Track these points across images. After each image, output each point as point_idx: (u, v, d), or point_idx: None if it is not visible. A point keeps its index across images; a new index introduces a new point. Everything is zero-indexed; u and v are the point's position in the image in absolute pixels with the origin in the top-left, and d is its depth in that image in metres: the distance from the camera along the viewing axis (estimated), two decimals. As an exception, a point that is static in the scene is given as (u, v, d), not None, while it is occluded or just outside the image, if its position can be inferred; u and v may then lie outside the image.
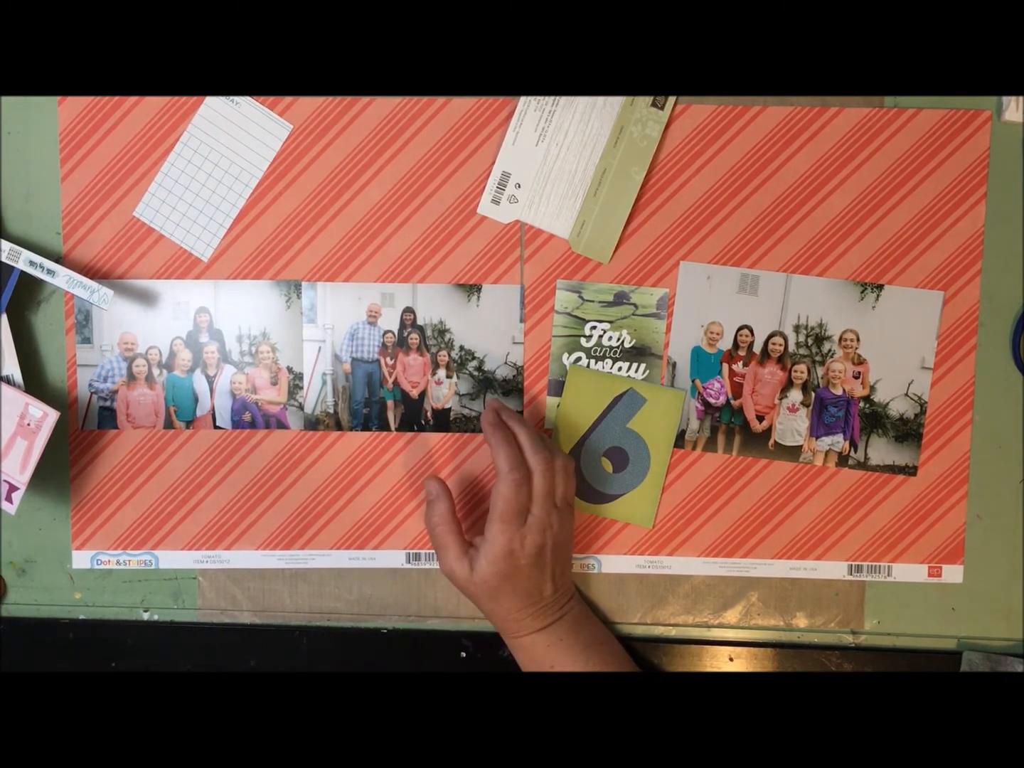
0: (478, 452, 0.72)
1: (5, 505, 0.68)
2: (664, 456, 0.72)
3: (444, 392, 0.72)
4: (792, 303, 0.71)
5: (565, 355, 0.72)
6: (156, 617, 0.73)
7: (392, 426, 0.72)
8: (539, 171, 0.70)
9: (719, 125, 0.70)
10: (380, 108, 0.70)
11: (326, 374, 0.72)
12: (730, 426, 0.72)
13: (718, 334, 0.71)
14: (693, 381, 0.71)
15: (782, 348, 0.71)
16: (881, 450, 0.71)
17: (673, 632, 0.73)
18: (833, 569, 0.72)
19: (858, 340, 0.71)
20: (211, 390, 0.72)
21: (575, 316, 0.71)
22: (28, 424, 0.67)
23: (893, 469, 0.71)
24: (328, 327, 0.72)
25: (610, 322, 0.71)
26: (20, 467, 0.67)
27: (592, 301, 0.71)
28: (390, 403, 0.72)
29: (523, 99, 0.70)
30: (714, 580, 0.72)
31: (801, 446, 0.71)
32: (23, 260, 0.67)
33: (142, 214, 0.71)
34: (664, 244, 0.71)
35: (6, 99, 0.70)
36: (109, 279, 0.71)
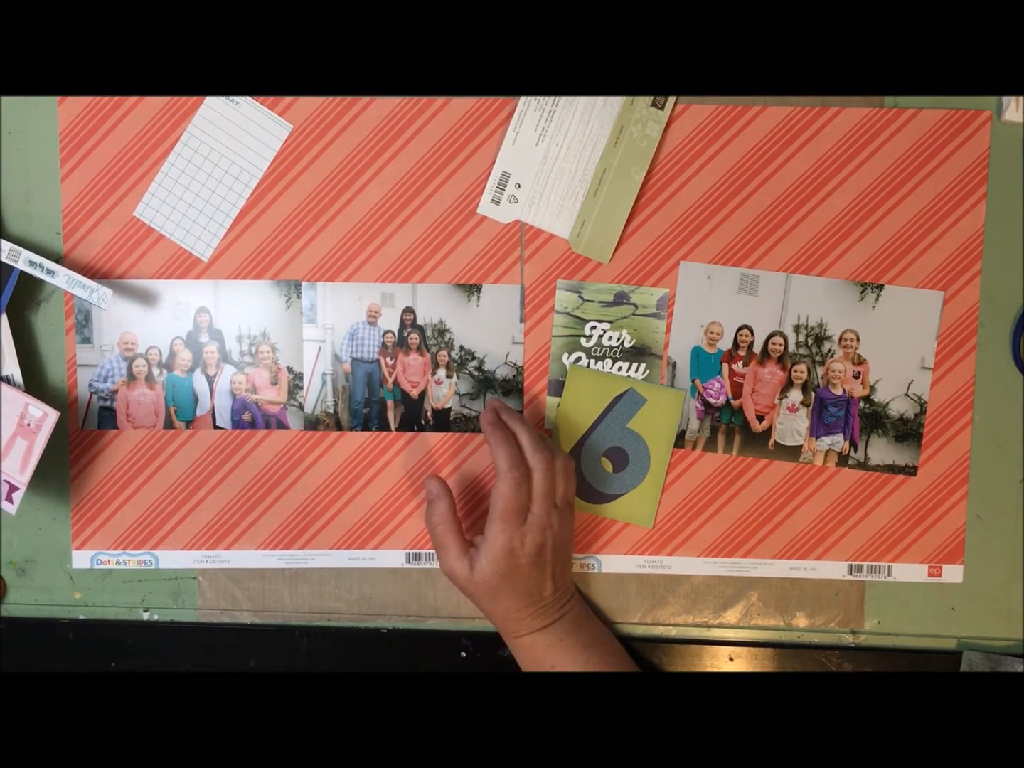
0: (478, 452, 0.72)
1: (5, 505, 0.68)
2: (664, 456, 0.72)
3: (444, 392, 0.72)
4: (792, 303, 0.71)
5: (565, 355, 0.72)
6: (156, 617, 0.73)
7: (392, 426, 0.72)
8: (539, 171, 0.70)
9: (719, 125, 0.70)
10: (380, 108, 0.70)
11: (326, 374, 0.72)
12: (730, 426, 0.72)
13: (718, 334, 0.71)
14: (693, 381, 0.71)
15: (782, 348, 0.71)
16: (881, 450, 0.71)
17: (673, 632, 0.73)
18: (833, 569, 0.72)
19: (858, 340, 0.71)
20: (211, 390, 0.72)
21: (575, 316, 0.71)
22: (28, 424, 0.67)
23: (893, 469, 0.71)
24: (328, 327, 0.72)
25: (610, 322, 0.71)
26: (20, 467, 0.67)
27: (592, 301, 0.71)
28: (390, 403, 0.72)
29: (523, 99, 0.70)
30: (714, 580, 0.72)
31: (801, 446, 0.71)
32: (23, 260, 0.67)
33: (142, 214, 0.71)
34: (664, 244, 0.71)
35: (6, 99, 0.70)
36: (109, 279, 0.71)
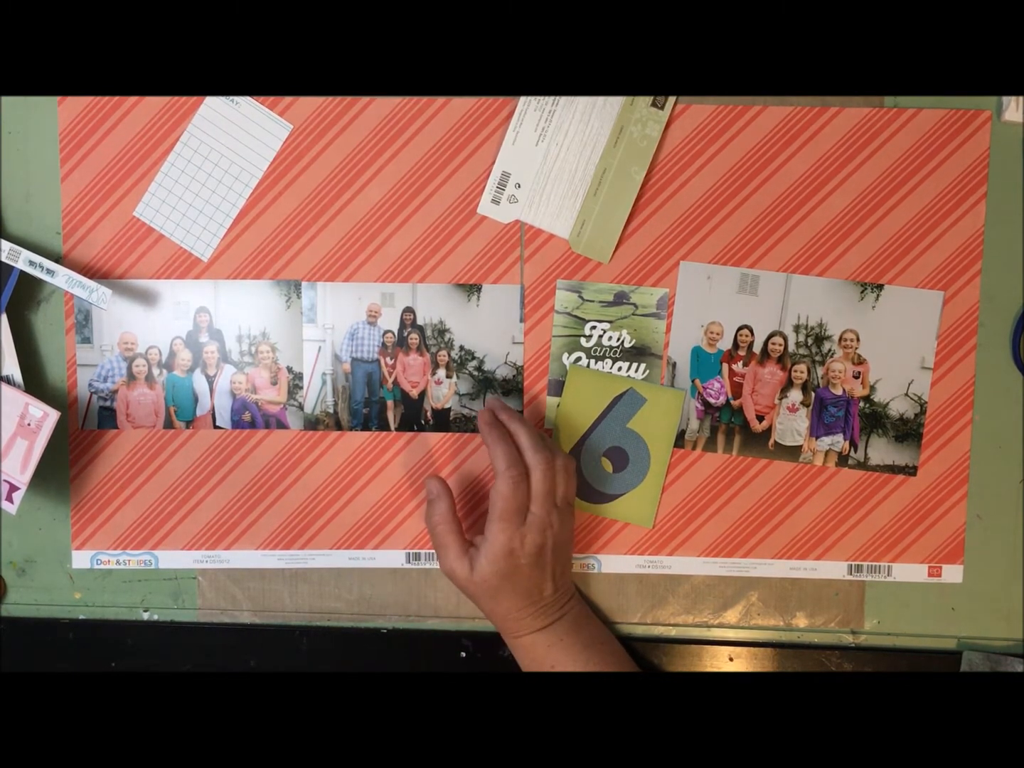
0: (478, 452, 0.72)
1: (5, 505, 0.68)
2: (664, 456, 0.72)
3: (444, 392, 0.72)
4: (792, 303, 0.71)
5: (565, 355, 0.72)
6: (156, 617, 0.73)
7: (392, 426, 0.72)
8: (539, 171, 0.70)
9: (719, 125, 0.70)
10: (380, 108, 0.70)
11: (326, 374, 0.72)
12: (730, 426, 0.72)
13: (718, 334, 0.71)
14: (693, 381, 0.71)
15: (782, 348, 0.71)
16: (881, 450, 0.71)
17: (673, 632, 0.73)
18: (833, 569, 0.72)
19: (858, 340, 0.71)
20: (211, 390, 0.72)
21: (575, 316, 0.71)
22: (28, 424, 0.67)
23: (893, 469, 0.71)
24: (328, 327, 0.72)
25: (610, 322, 0.71)
26: (20, 467, 0.67)
27: (592, 301, 0.71)
28: (390, 403, 0.72)
29: (523, 99, 0.70)
30: (714, 580, 0.72)
31: (801, 446, 0.71)
32: (23, 260, 0.67)
33: (142, 214, 0.71)
34: (664, 244, 0.71)
35: (6, 99, 0.70)
36: (109, 279, 0.71)
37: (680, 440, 0.72)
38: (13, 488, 0.68)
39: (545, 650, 0.66)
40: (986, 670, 0.70)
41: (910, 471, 0.71)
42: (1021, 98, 0.69)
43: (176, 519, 0.72)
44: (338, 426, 0.72)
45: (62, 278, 0.67)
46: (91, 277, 0.68)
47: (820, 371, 0.71)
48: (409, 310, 0.72)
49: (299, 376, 0.72)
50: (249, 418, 0.72)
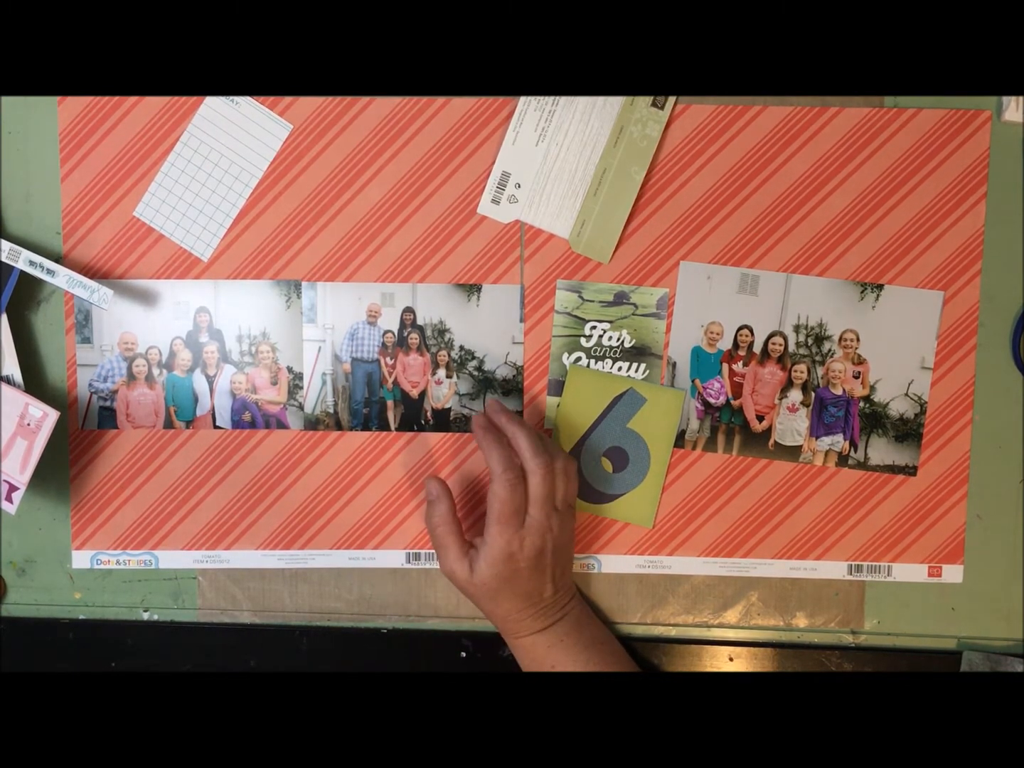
0: (478, 452, 0.72)
1: (5, 505, 0.68)
2: (664, 456, 0.72)
3: (444, 392, 0.72)
4: (792, 303, 0.71)
5: (565, 355, 0.72)
6: (156, 617, 0.73)
7: (392, 426, 0.72)
8: (539, 171, 0.70)
9: (719, 125, 0.70)
10: (380, 108, 0.70)
11: (326, 374, 0.72)
12: (730, 426, 0.72)
13: (718, 334, 0.71)
14: (693, 381, 0.71)
15: (782, 348, 0.71)
16: (881, 450, 0.71)
17: (673, 632, 0.73)
18: (833, 569, 0.72)
19: (858, 340, 0.71)
20: (211, 390, 0.72)
21: (575, 316, 0.71)
22: (28, 424, 0.67)
23: (893, 469, 0.71)
24: (328, 327, 0.72)
25: (610, 322, 0.71)
26: (20, 467, 0.67)
27: (592, 301, 0.71)
28: (390, 403, 0.72)
29: (523, 99, 0.70)
30: (714, 580, 0.72)
31: (801, 446, 0.71)
32: (23, 260, 0.67)
33: (142, 214, 0.71)
34: (664, 244, 0.71)
35: (6, 99, 0.70)
36: (109, 279, 0.71)
37: (680, 440, 0.72)
38: (13, 488, 0.68)
39: (545, 650, 0.66)
40: (986, 670, 0.70)
41: (910, 471, 0.71)
42: (1021, 98, 0.69)
43: (176, 519, 0.72)
44: (338, 426, 0.72)
45: (62, 278, 0.67)
46: (91, 277, 0.68)
47: (820, 371, 0.71)
48: (409, 310, 0.72)
49: (299, 376, 0.72)
50: (249, 418, 0.72)
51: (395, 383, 0.72)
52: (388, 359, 0.72)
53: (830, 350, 0.71)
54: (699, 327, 0.71)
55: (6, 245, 0.66)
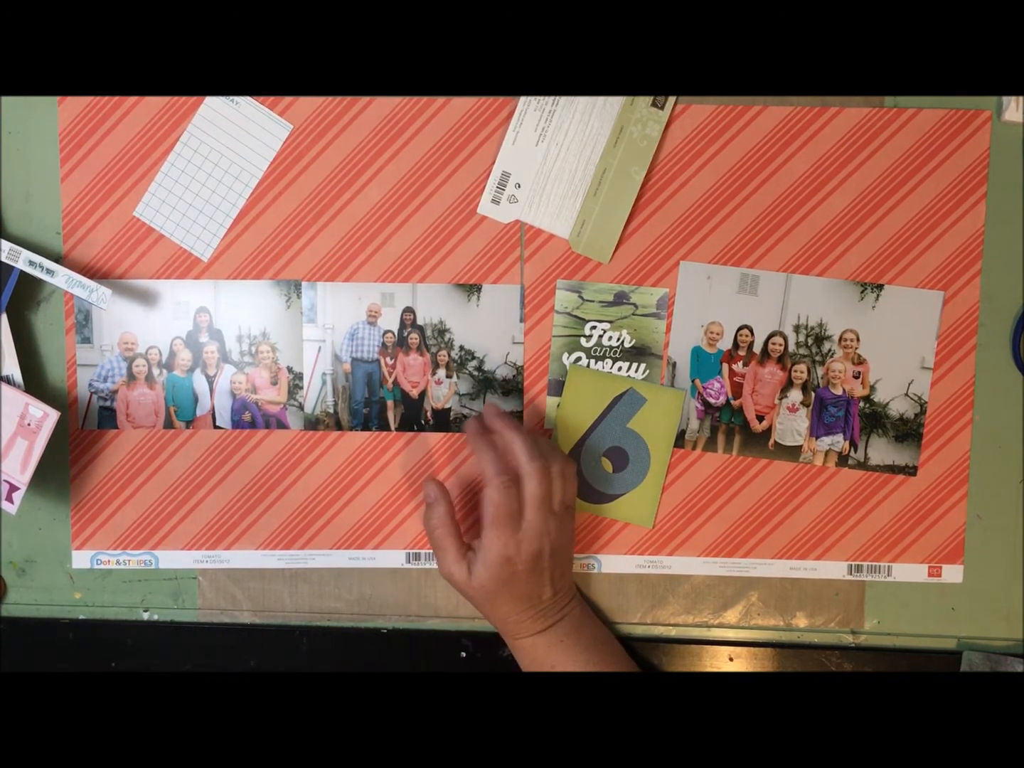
0: (478, 452, 0.72)
1: (5, 505, 0.68)
2: (664, 456, 0.72)
3: (444, 392, 0.72)
4: (792, 303, 0.71)
5: (565, 355, 0.72)
6: (156, 617, 0.73)
7: (392, 426, 0.72)
8: (539, 171, 0.70)
9: (719, 125, 0.70)
10: (380, 108, 0.70)
11: (326, 374, 0.72)
12: (730, 426, 0.72)
13: (718, 334, 0.71)
14: (693, 381, 0.71)
15: (782, 348, 0.71)
16: (881, 450, 0.71)
17: (673, 632, 0.73)
18: (833, 569, 0.72)
19: (858, 340, 0.71)
20: (211, 390, 0.72)
21: (575, 316, 0.71)
22: (28, 424, 0.67)
23: (893, 469, 0.71)
24: (328, 327, 0.72)
25: (610, 322, 0.71)
26: (20, 467, 0.67)
27: (592, 301, 0.71)
28: (390, 403, 0.72)
29: (523, 99, 0.70)
30: (714, 580, 0.72)
31: (801, 446, 0.71)
32: (23, 260, 0.67)
33: (142, 214, 0.71)
34: (664, 244, 0.71)
35: (6, 99, 0.70)
36: (109, 279, 0.71)
37: (680, 440, 0.72)
38: (13, 488, 0.68)
39: (545, 651, 0.66)
40: (986, 670, 0.70)
41: (910, 471, 0.71)
42: (1021, 98, 0.69)
43: (176, 519, 0.72)
44: (338, 426, 0.72)
45: (62, 278, 0.67)
46: (91, 277, 0.68)
47: (820, 371, 0.71)
48: (409, 310, 0.72)
49: (299, 376, 0.72)
50: (249, 418, 0.72)
51: (395, 383, 0.72)
52: (388, 359, 0.72)
53: (830, 350, 0.71)
54: (699, 327, 0.71)
55: (6, 245, 0.66)
